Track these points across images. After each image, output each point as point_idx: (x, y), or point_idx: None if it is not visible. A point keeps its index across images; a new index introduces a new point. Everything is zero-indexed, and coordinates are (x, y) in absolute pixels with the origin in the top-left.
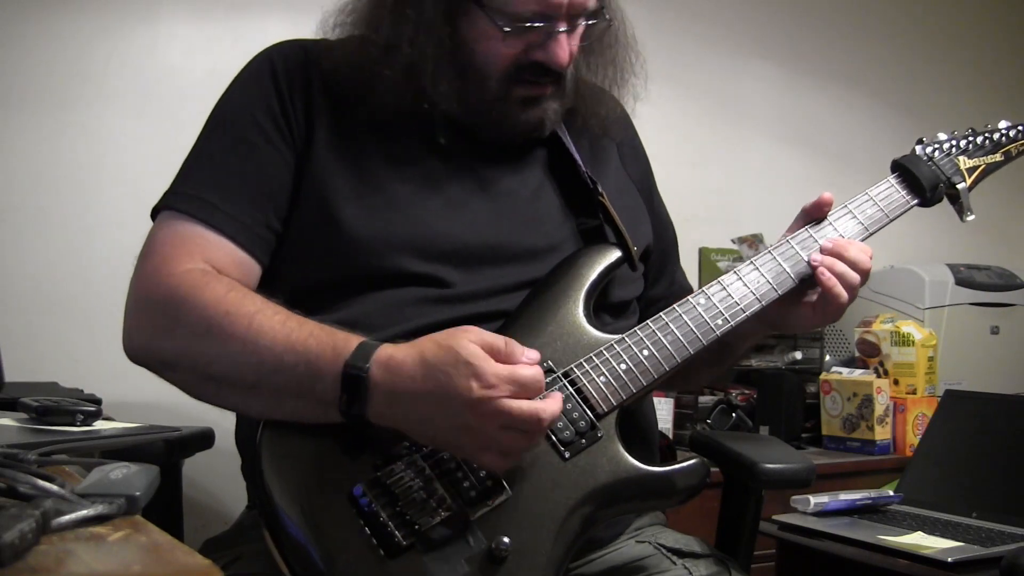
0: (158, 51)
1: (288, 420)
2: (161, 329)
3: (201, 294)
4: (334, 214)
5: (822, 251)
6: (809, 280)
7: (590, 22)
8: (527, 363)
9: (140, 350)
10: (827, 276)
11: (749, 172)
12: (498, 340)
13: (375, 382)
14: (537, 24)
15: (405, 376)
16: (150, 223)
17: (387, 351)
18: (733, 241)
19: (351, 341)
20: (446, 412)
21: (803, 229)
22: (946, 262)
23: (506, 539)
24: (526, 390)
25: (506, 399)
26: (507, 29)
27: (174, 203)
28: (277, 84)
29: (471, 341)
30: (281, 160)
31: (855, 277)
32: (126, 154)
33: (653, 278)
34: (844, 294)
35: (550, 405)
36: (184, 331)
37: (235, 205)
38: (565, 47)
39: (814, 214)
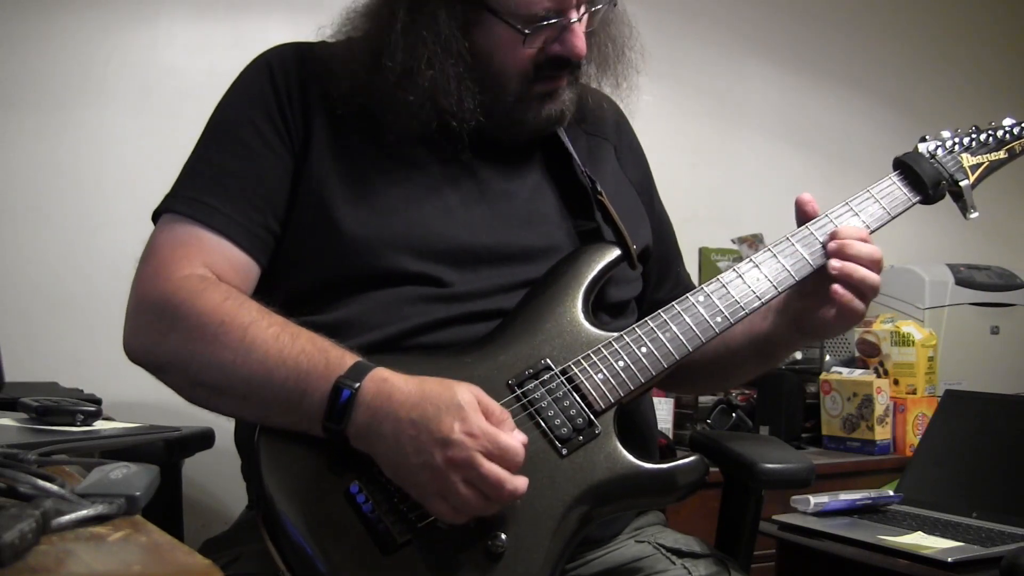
0: (158, 51)
1: (279, 428)
2: (156, 333)
3: (197, 301)
4: (332, 214)
5: (830, 255)
6: (811, 277)
7: (594, 8)
8: (516, 436)
9: (136, 352)
10: (841, 293)
11: (749, 172)
12: (495, 405)
13: (364, 399)
14: (553, 20)
15: (396, 400)
16: (150, 223)
17: (383, 373)
18: (733, 241)
19: (346, 359)
20: (419, 444)
21: (803, 227)
22: (946, 262)
23: (503, 536)
24: (502, 456)
25: (479, 454)
26: (527, 32)
27: (174, 206)
28: (275, 87)
29: (471, 392)
30: (279, 163)
31: (874, 279)
32: (126, 154)
33: (657, 281)
34: (861, 306)
35: (519, 482)
36: (178, 337)
37: (234, 207)
38: (582, 36)
39: (801, 217)
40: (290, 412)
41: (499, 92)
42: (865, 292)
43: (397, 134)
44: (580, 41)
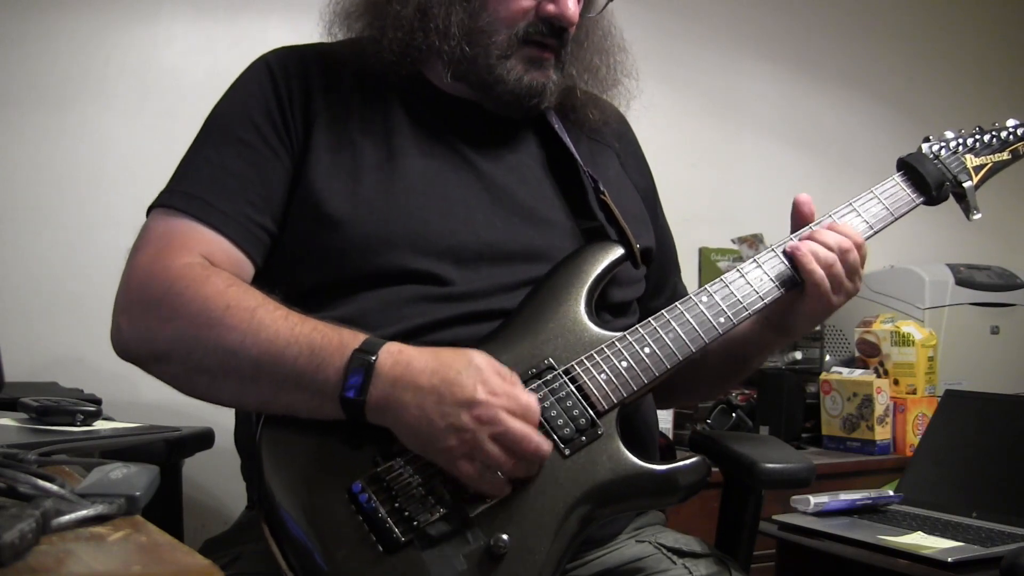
0: (158, 51)
1: (282, 413)
2: (157, 320)
3: (201, 287)
4: (332, 214)
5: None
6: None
7: None
8: (529, 393)
9: (132, 343)
10: (801, 252)
11: (749, 172)
12: (504, 368)
13: (382, 369)
14: None
15: (415, 368)
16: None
17: (397, 345)
18: (733, 241)
19: (358, 335)
20: (444, 409)
21: (807, 228)
22: (946, 262)
23: (505, 536)
24: (524, 412)
25: (503, 411)
26: None
27: (169, 201)
28: (276, 88)
29: (483, 356)
30: (278, 163)
31: (829, 255)
32: (126, 154)
33: (654, 289)
34: (819, 270)
35: (544, 440)
36: (182, 323)
37: (232, 205)
38: (575, 3)
39: (799, 220)
40: (302, 389)
41: (486, 43)
42: (819, 262)
43: (375, 67)
44: (573, 5)
